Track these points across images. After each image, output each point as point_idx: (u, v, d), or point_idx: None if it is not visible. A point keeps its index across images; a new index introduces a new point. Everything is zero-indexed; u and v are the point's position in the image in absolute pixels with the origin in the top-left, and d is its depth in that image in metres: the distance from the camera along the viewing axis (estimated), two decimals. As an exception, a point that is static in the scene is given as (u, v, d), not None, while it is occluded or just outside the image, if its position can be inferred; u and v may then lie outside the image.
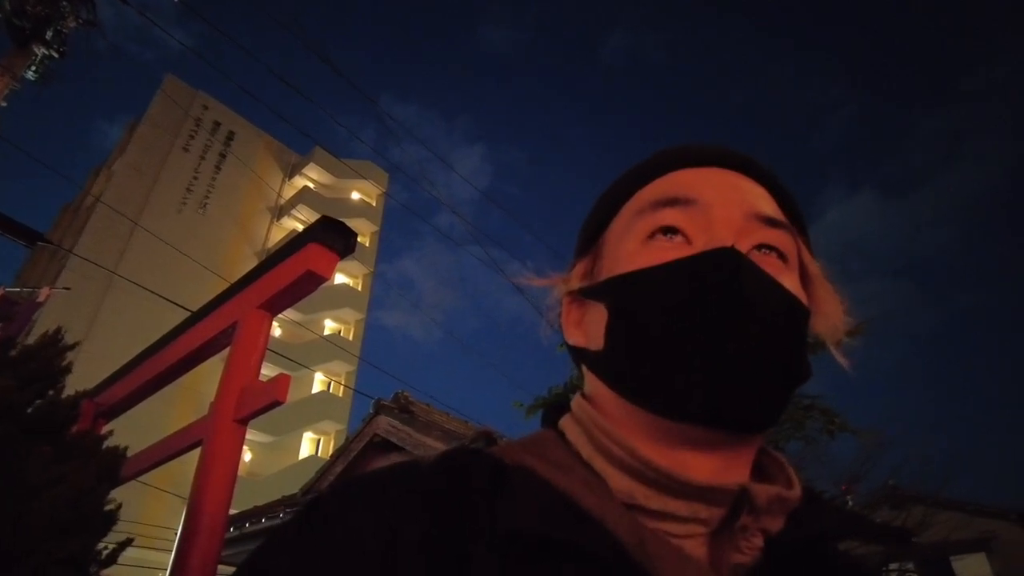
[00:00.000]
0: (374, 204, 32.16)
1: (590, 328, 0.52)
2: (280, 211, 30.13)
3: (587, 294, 0.53)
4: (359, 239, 29.05)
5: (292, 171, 31.27)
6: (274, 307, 4.32)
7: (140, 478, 5.26)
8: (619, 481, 0.44)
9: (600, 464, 0.45)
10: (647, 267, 0.47)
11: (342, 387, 26.24)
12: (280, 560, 0.41)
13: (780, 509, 0.44)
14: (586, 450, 0.47)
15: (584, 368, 0.53)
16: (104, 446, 3.65)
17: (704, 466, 0.44)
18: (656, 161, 0.54)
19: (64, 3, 8.86)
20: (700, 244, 0.47)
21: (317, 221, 4.15)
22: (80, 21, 9.11)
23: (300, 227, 29.11)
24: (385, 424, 8.95)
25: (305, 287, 4.13)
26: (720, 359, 0.42)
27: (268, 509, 9.02)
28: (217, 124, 28.85)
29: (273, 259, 4.29)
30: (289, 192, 30.63)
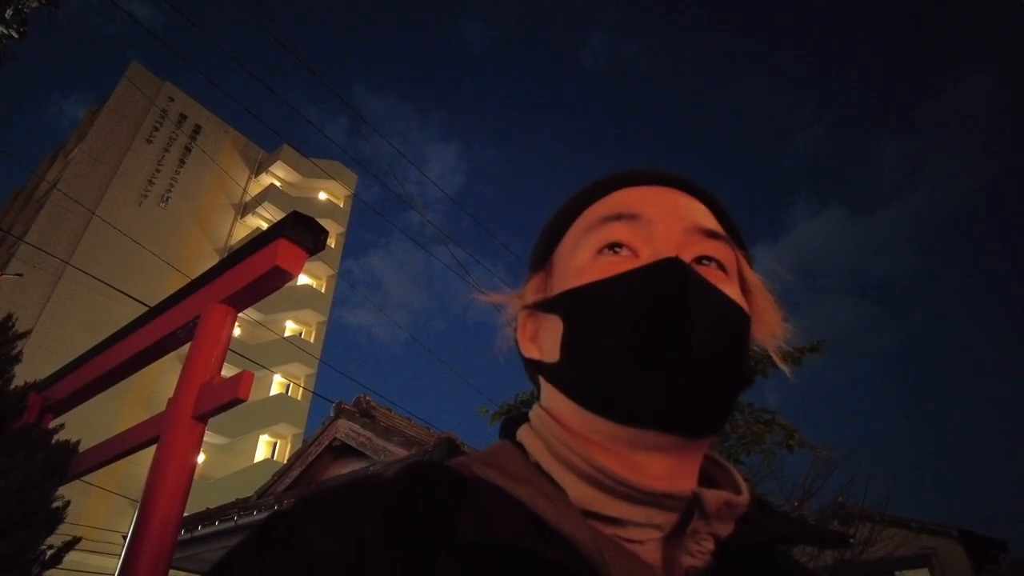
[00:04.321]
0: (341, 205, 31.79)
1: (545, 341, 0.53)
2: (244, 208, 29.54)
3: (541, 308, 0.55)
4: (325, 240, 28.92)
5: (259, 168, 30.72)
6: (238, 302, 4.21)
7: (84, 478, 5.07)
8: (577, 489, 0.45)
9: (559, 473, 0.47)
10: (597, 280, 0.49)
11: (301, 390, 25.77)
12: None
13: (730, 514, 0.46)
14: (545, 460, 0.48)
15: (541, 380, 0.55)
16: (54, 440, 3.49)
17: (658, 471, 0.46)
18: (602, 182, 0.56)
19: (27, -18, 8.59)
20: (646, 257, 0.50)
21: (288, 216, 4.08)
22: (42, 1, 8.84)
23: (265, 225, 28.52)
24: (345, 428, 8.81)
25: (272, 283, 4.05)
26: (671, 365, 0.44)
27: (221, 512, 8.78)
28: (183, 116, 28.19)
29: (240, 253, 4.19)
30: (255, 189, 30.07)
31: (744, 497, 0.48)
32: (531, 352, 0.55)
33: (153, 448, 4.01)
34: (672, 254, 0.49)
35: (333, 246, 30.54)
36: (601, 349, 0.47)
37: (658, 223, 0.51)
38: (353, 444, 8.61)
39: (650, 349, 0.45)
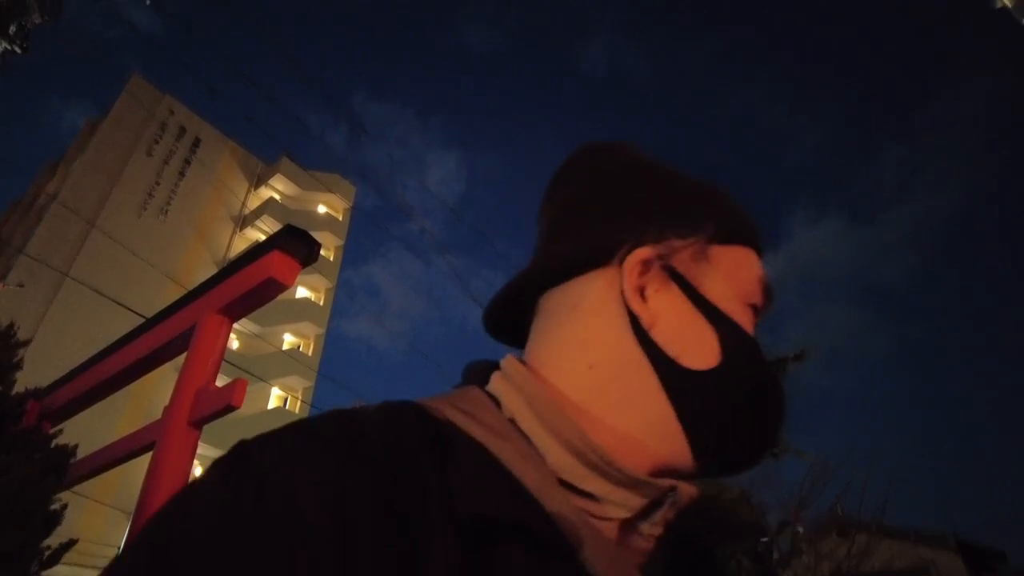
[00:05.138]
0: (340, 218, 31.92)
1: (664, 319, 0.49)
2: (244, 221, 29.66)
3: (692, 296, 0.50)
4: (323, 253, 28.76)
5: (258, 181, 30.86)
6: (233, 312, 4.30)
7: (76, 488, 5.10)
8: (557, 457, 0.44)
9: (540, 437, 0.45)
10: (762, 354, 0.52)
11: (299, 403, 25.73)
12: (204, 536, 0.32)
13: (686, 505, 0.49)
14: (526, 420, 0.46)
15: (600, 318, 0.49)
16: (53, 444, 3.55)
17: (644, 466, 0.48)
18: (763, 237, 0.57)
19: (30, -1, 8.73)
20: (750, 329, 0.53)
21: (281, 229, 4.18)
22: (45, 17, 8.98)
23: (263, 238, 28.65)
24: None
25: (266, 294, 4.14)
26: (761, 442, 0.52)
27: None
28: (183, 129, 28.37)
29: (235, 264, 4.29)
30: (254, 202, 30.20)
31: (698, 490, 0.50)
32: (637, 304, 0.49)
33: (148, 458, 4.07)
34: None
35: (332, 259, 30.63)
36: (736, 405, 0.50)
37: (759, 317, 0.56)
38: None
39: (759, 428, 0.51)
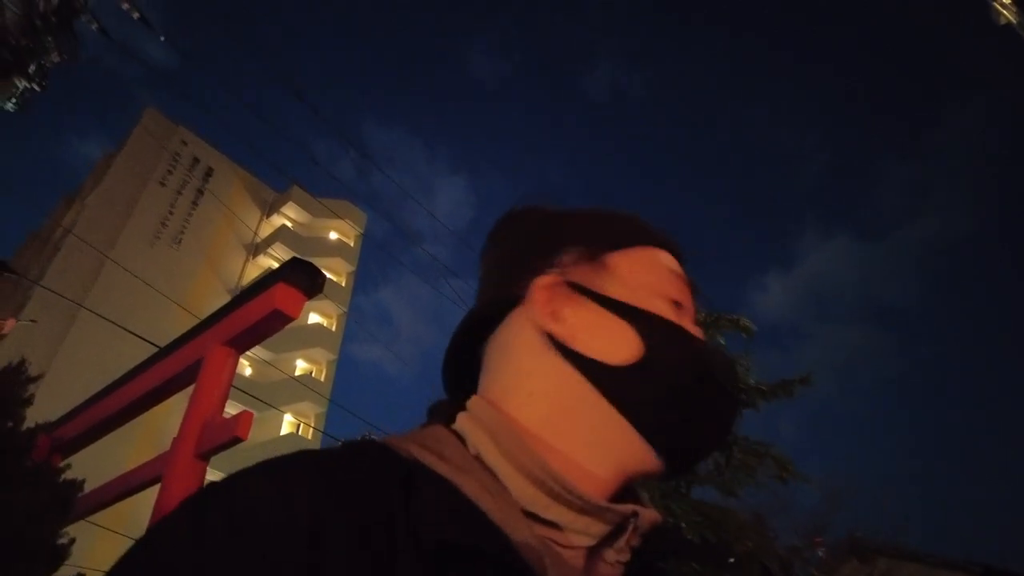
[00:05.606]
0: (351, 244, 32.16)
1: (582, 330, 0.52)
2: (256, 249, 29.95)
3: (602, 301, 0.53)
4: (335, 279, 28.96)
5: (270, 209, 31.23)
6: (240, 344, 4.35)
7: (88, 518, 5.13)
8: (521, 488, 0.46)
9: (504, 470, 0.46)
10: (690, 333, 0.53)
11: (311, 429, 25.69)
12: (172, 566, 0.34)
13: (648, 530, 0.50)
14: (490, 454, 0.47)
15: (541, 359, 0.52)
16: (61, 479, 3.58)
17: (600, 489, 0.49)
18: (670, 237, 0.60)
19: (49, 38, 8.99)
20: (687, 324, 0.55)
21: (286, 261, 4.24)
22: (64, 56, 9.24)
23: (276, 266, 28.84)
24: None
25: (272, 326, 4.18)
26: (706, 429, 0.53)
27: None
28: (196, 160, 28.85)
29: (241, 297, 4.34)
30: (266, 230, 30.52)
31: (658, 514, 0.52)
32: (548, 325, 0.52)
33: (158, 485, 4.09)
34: (702, 337, 0.55)
35: (344, 284, 30.79)
36: (672, 386, 0.51)
37: (688, 310, 0.57)
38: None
39: (703, 411, 0.52)
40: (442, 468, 0.44)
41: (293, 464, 0.41)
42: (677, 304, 0.54)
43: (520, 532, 0.42)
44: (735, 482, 5.63)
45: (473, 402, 0.52)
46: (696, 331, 0.55)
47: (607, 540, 0.47)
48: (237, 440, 3.69)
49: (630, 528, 0.47)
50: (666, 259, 0.57)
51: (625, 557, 0.48)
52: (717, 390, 0.53)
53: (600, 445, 0.50)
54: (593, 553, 0.47)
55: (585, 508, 0.46)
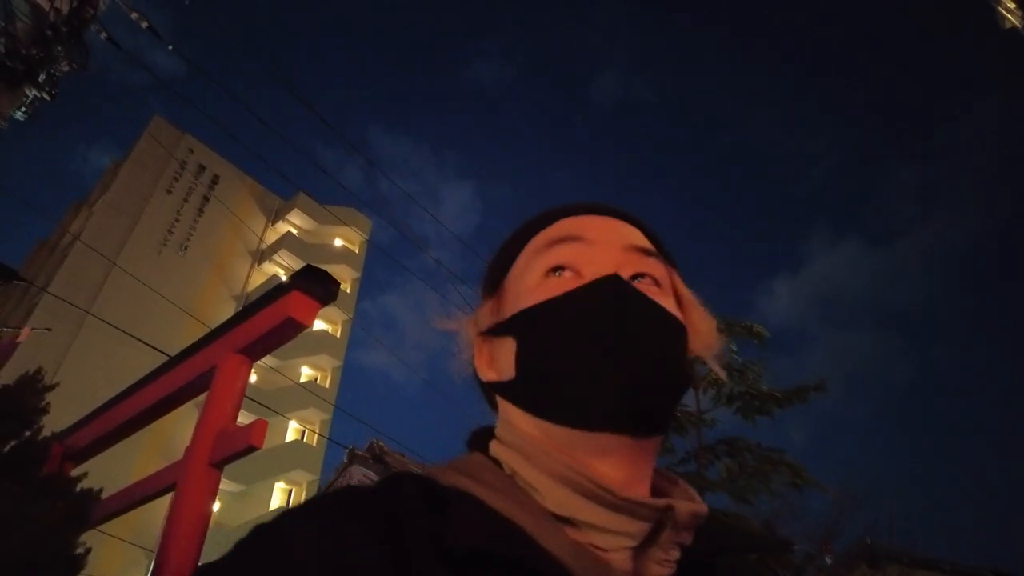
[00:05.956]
0: (356, 251, 32.21)
1: (501, 362, 0.57)
2: (261, 256, 30.04)
3: (497, 331, 0.58)
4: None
5: (275, 216, 31.33)
6: (253, 353, 4.35)
7: (100, 526, 5.13)
8: (554, 494, 0.47)
9: (536, 480, 0.49)
10: (547, 299, 0.53)
11: (316, 436, 25.69)
12: None
13: (694, 524, 0.50)
14: (522, 469, 0.50)
15: (499, 400, 0.58)
16: (78, 488, 3.59)
17: (616, 480, 0.48)
18: (547, 213, 0.62)
19: (59, 48, 9.05)
20: (588, 275, 0.54)
21: (301, 269, 4.25)
22: (73, 65, 9.30)
23: (281, 272, 29.07)
24: (359, 474, 8.81)
25: (285, 334, 4.18)
26: (616, 370, 0.48)
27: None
28: (202, 167, 28.98)
29: (254, 305, 4.35)
30: (272, 237, 30.62)
31: (705, 508, 0.51)
32: (488, 376, 0.58)
33: (168, 496, 4.09)
34: (611, 271, 0.54)
35: (348, 291, 30.84)
36: (553, 361, 0.51)
37: (598, 244, 0.56)
38: (366, 490, 8.58)
39: (597, 357, 0.49)
40: (478, 490, 0.47)
41: (334, 502, 0.44)
42: (554, 271, 0.56)
43: (554, 540, 0.44)
44: (748, 489, 5.61)
45: (499, 427, 0.57)
46: (600, 265, 0.55)
47: (650, 539, 0.47)
48: (252, 448, 3.69)
49: (668, 524, 0.47)
50: (538, 241, 0.59)
51: (675, 555, 0.48)
52: (600, 328, 0.50)
53: (562, 447, 0.50)
54: (640, 554, 0.47)
55: (617, 504, 0.46)
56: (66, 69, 9.28)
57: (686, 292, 0.61)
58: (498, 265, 0.63)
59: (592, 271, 0.54)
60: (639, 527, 0.47)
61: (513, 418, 0.55)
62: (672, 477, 0.57)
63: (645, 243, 0.59)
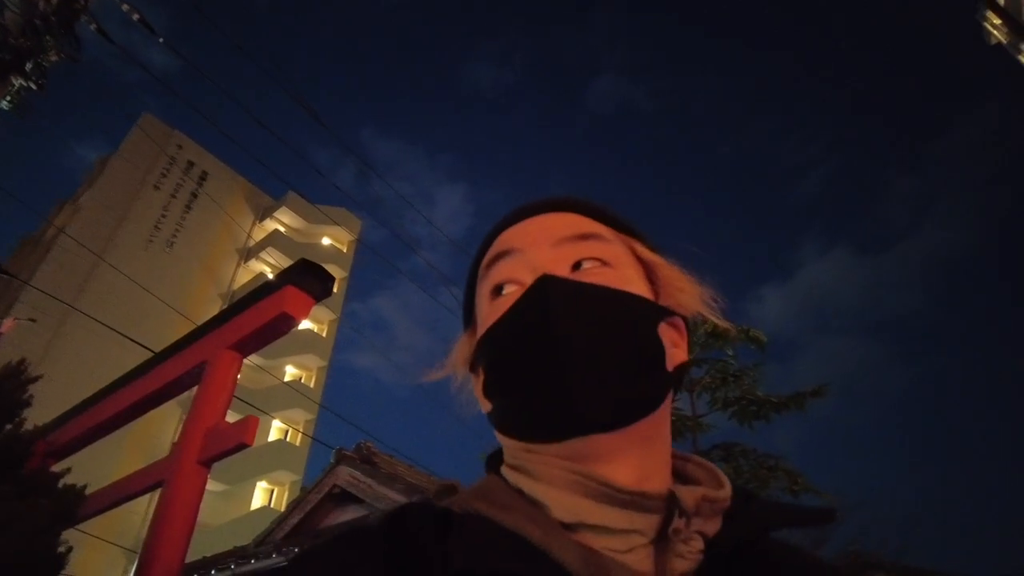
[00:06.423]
0: (345, 250, 32.06)
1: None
2: (248, 254, 29.81)
3: (473, 366, 0.58)
4: (328, 285, 28.98)
5: (264, 214, 31.12)
6: (245, 348, 4.27)
7: (79, 526, 5.01)
8: (560, 501, 0.46)
9: (541, 491, 0.47)
10: (492, 323, 0.53)
11: (300, 436, 25.46)
12: None
13: (711, 510, 0.47)
14: (526, 484, 0.49)
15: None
16: (61, 484, 3.48)
17: (624, 478, 0.46)
18: (488, 234, 0.61)
19: (48, 38, 8.91)
20: (528, 282, 0.52)
21: (296, 264, 4.18)
22: (62, 56, 9.15)
23: (268, 270, 28.85)
24: (346, 475, 8.71)
25: (278, 329, 4.11)
26: (554, 373, 0.47)
27: (218, 560, 8.61)
28: (191, 164, 28.73)
29: (247, 300, 4.27)
30: (259, 235, 30.39)
31: (725, 491, 0.49)
32: (485, 407, 0.57)
33: (148, 495, 4.00)
34: (540, 275, 0.51)
35: (336, 291, 30.59)
36: (502, 384, 0.51)
37: (529, 250, 0.55)
38: (354, 491, 8.50)
39: (534, 368, 0.48)
40: (489, 510, 0.46)
41: (340, 543, 0.46)
42: (496, 291, 0.55)
43: (565, 549, 0.43)
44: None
45: (505, 447, 0.56)
46: (536, 268, 0.53)
47: (663, 532, 0.45)
48: (243, 446, 3.60)
49: (676, 512, 0.45)
50: (484, 264, 0.59)
51: (697, 547, 0.46)
52: (534, 337, 0.49)
53: (562, 458, 0.49)
54: (660, 550, 0.45)
55: (623, 500, 0.45)
56: (55, 59, 9.14)
57: (652, 256, 0.58)
58: (467, 296, 0.63)
59: (531, 277, 0.53)
60: (649, 521, 0.45)
61: (505, 441, 0.55)
62: (702, 463, 0.54)
63: (580, 227, 0.56)
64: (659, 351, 0.51)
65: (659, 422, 0.50)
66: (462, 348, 0.62)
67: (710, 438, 6.38)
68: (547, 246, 0.55)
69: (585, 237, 0.55)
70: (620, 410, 0.47)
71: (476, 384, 0.59)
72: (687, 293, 0.57)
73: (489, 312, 0.55)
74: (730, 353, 6.35)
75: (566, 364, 0.47)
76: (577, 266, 0.53)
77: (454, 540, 0.42)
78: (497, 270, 0.56)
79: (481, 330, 0.55)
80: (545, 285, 0.51)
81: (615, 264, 0.55)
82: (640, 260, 0.57)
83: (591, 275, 0.52)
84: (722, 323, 0.62)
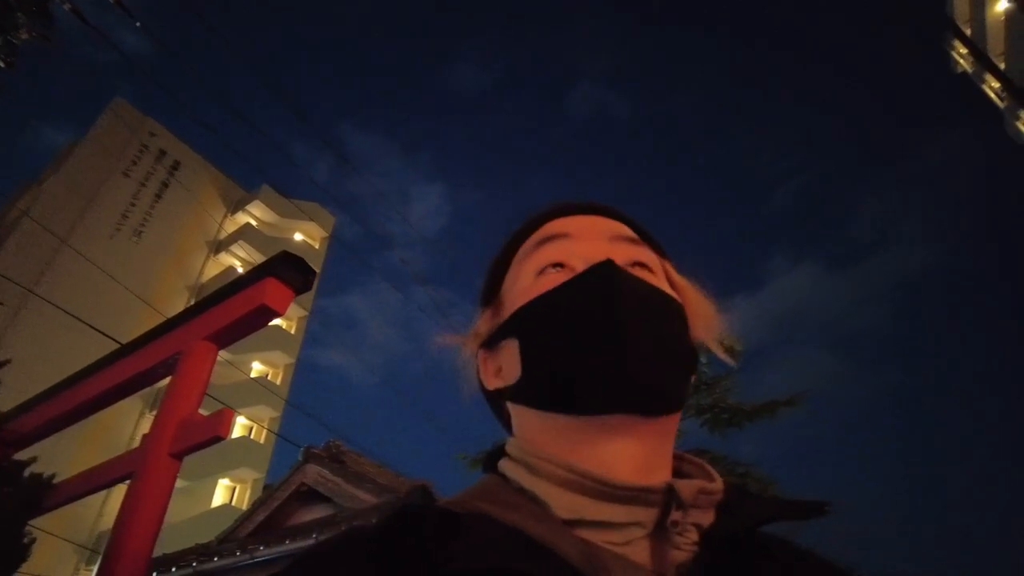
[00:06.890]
0: (316, 247, 31.65)
1: (506, 368, 0.57)
2: (218, 246, 29.22)
3: (498, 336, 0.59)
4: (299, 281, 28.59)
5: (236, 207, 30.56)
6: (222, 340, 4.20)
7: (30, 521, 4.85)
8: (561, 499, 0.48)
9: (543, 489, 0.49)
10: (543, 292, 0.54)
11: (264, 433, 25.03)
12: None
13: (707, 503, 0.49)
14: (528, 481, 0.50)
15: (509, 406, 0.59)
16: (27, 473, 3.38)
17: (629, 466, 0.49)
18: (532, 219, 0.64)
19: (19, 15, 8.65)
20: (580, 268, 0.55)
21: (277, 255, 4.13)
22: (33, 34, 8.90)
23: (238, 264, 28.35)
24: (314, 473, 8.62)
25: (257, 321, 4.06)
26: (616, 349, 0.48)
27: (180, 557, 8.42)
28: (163, 152, 28.08)
29: (225, 291, 4.20)
30: (230, 228, 29.82)
31: (717, 484, 0.50)
32: (495, 384, 0.59)
33: (108, 490, 3.89)
34: (603, 257, 0.54)
35: (306, 287, 30.25)
36: (554, 351, 0.51)
37: (585, 238, 0.58)
38: (321, 490, 8.41)
39: (599, 339, 0.49)
40: (490, 509, 0.47)
41: (341, 546, 0.45)
42: (553, 267, 0.57)
43: (567, 545, 0.43)
44: (714, 503, 5.67)
45: (508, 443, 0.57)
46: (590, 257, 0.55)
47: (661, 524, 0.47)
48: (218, 439, 3.54)
49: (673, 505, 0.47)
50: (527, 246, 0.61)
51: (693, 536, 0.47)
52: (599, 311, 0.50)
53: (567, 438, 0.50)
54: (658, 541, 0.47)
55: (620, 495, 0.46)
56: (25, 37, 8.87)
57: (680, 278, 0.62)
58: (492, 277, 0.65)
59: (583, 263, 0.55)
60: (648, 514, 0.47)
61: (522, 424, 0.56)
62: (695, 460, 0.56)
63: (631, 233, 0.61)
64: (694, 360, 0.55)
65: (676, 422, 0.55)
66: (482, 323, 0.63)
67: (680, 445, 6.44)
68: (603, 240, 0.58)
69: (636, 241, 0.60)
70: (667, 397, 0.50)
71: (487, 363, 0.61)
72: (701, 320, 0.60)
73: (532, 287, 0.56)
74: (703, 361, 6.45)
75: (631, 341, 0.49)
76: (626, 265, 0.56)
77: (457, 539, 0.42)
78: (547, 250, 0.58)
79: (520, 301, 0.56)
80: (613, 268, 0.53)
81: (657, 275, 0.58)
82: (669, 278, 0.60)
83: (642, 276, 0.56)
84: (726, 360, 0.70)
